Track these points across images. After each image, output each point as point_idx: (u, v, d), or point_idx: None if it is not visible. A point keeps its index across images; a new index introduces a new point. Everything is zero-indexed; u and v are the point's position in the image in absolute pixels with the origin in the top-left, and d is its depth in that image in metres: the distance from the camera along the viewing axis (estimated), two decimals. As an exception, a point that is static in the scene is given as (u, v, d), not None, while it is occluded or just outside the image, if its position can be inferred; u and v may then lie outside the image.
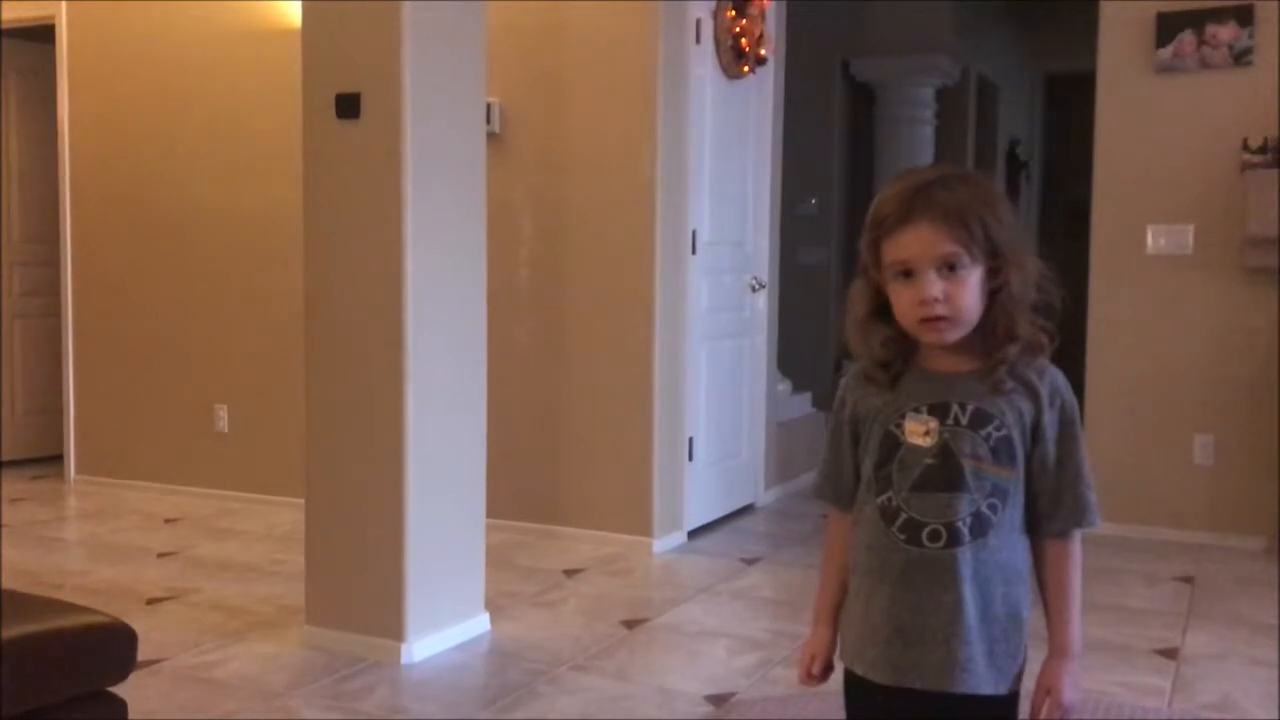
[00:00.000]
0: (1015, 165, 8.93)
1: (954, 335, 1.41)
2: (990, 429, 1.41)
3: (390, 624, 3.21)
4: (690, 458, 4.71)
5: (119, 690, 2.16)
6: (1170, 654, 3.33)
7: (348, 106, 3.19)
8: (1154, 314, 4.72)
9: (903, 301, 1.41)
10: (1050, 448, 1.44)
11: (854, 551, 1.51)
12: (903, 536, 1.43)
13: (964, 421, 1.42)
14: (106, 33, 5.56)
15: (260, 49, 5.12)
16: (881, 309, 1.45)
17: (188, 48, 5.34)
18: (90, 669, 2.08)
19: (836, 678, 1.58)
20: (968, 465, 1.41)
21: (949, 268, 1.38)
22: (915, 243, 1.39)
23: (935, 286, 1.38)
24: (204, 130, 5.33)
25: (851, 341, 1.50)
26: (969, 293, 1.39)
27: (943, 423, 1.42)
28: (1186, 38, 4.61)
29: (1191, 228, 4.65)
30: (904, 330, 1.44)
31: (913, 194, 1.40)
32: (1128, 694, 3.01)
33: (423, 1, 3.16)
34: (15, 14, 5.84)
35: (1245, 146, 4.50)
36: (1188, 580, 4.13)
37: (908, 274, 1.40)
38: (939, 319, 1.39)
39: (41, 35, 5.86)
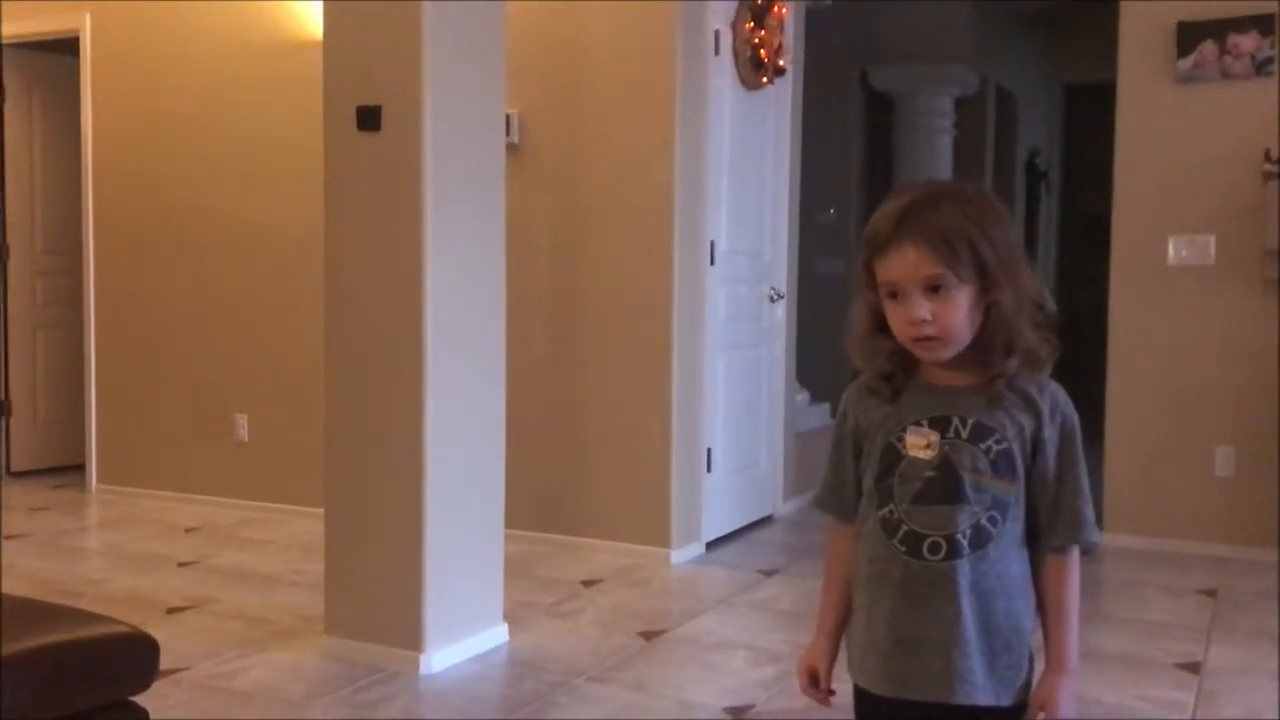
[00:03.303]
0: (1035, 175, 8.90)
1: (946, 353, 1.43)
2: (990, 442, 1.43)
3: (409, 634, 3.22)
4: (708, 468, 4.70)
5: (141, 700, 2.17)
6: (1193, 668, 3.31)
7: (368, 118, 3.21)
8: (1175, 325, 4.70)
9: (895, 320, 1.44)
10: (1050, 462, 1.45)
11: (856, 564, 1.53)
12: (903, 549, 1.45)
13: (964, 435, 1.43)
14: (130, 45, 5.61)
15: (282, 61, 5.15)
16: (883, 324, 1.47)
17: (210, 60, 5.38)
18: (113, 678, 2.09)
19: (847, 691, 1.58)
20: (967, 478, 1.42)
21: (934, 289, 1.40)
22: (901, 265, 1.40)
23: (923, 308, 1.40)
24: (225, 142, 5.37)
25: (854, 357, 1.52)
26: (957, 312, 1.40)
27: (943, 436, 1.43)
28: (1208, 47, 4.59)
29: (1213, 238, 4.62)
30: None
31: (900, 215, 1.41)
32: (1150, 708, 2.99)
33: (444, 9, 3.18)
34: (40, 26, 5.90)
35: (1267, 157, 4.47)
36: (1210, 593, 4.10)
37: (896, 294, 1.42)
38: (929, 338, 1.41)
39: (66, 47, 5.92)
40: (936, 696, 1.43)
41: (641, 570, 4.35)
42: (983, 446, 1.42)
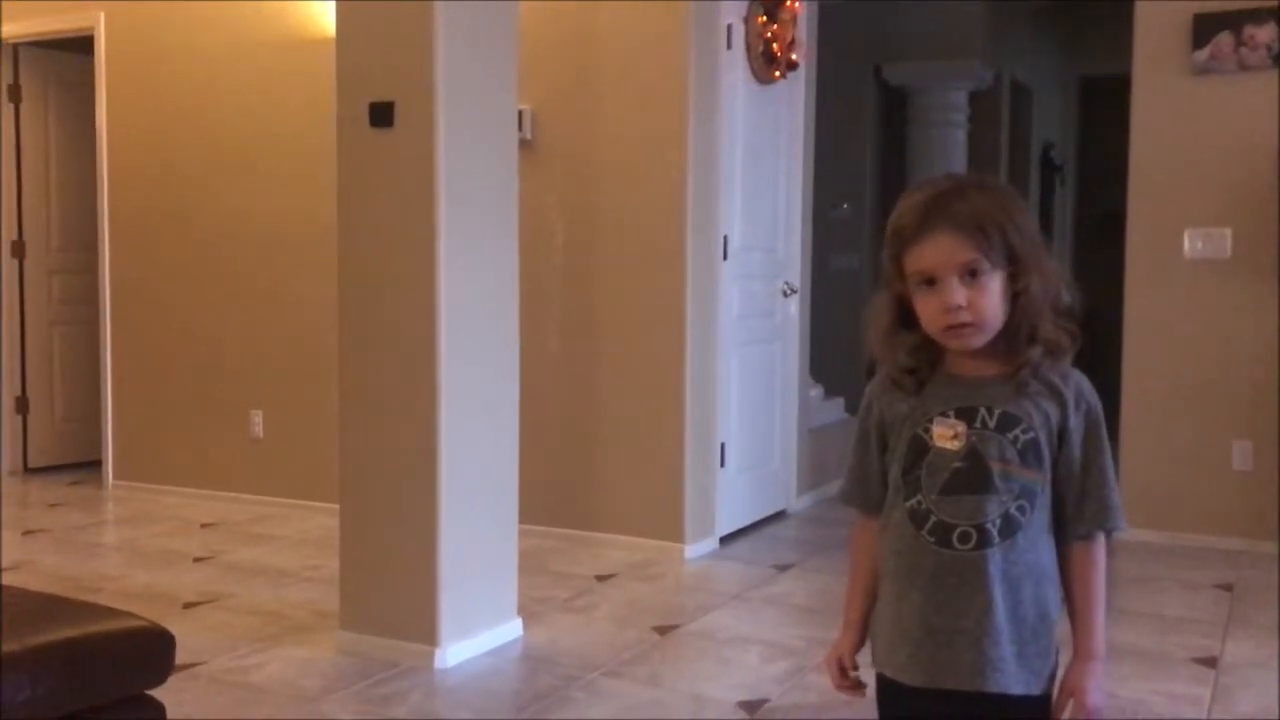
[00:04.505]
0: (1049, 169, 8.86)
1: (979, 341, 1.43)
2: (1018, 432, 1.43)
3: (424, 629, 3.22)
4: (722, 464, 4.70)
5: (157, 694, 2.19)
6: (1209, 662, 3.29)
7: (381, 115, 3.22)
8: (1192, 319, 4.67)
9: (927, 310, 1.43)
10: (1076, 451, 1.46)
11: (883, 556, 1.53)
12: (932, 539, 1.45)
13: (991, 425, 1.43)
14: (144, 43, 5.63)
15: (295, 58, 5.17)
16: (905, 317, 1.47)
17: (224, 57, 5.40)
18: (129, 673, 2.11)
19: (871, 684, 1.58)
20: (996, 468, 1.43)
21: (971, 274, 1.41)
22: (936, 252, 1.41)
23: (959, 294, 1.40)
24: (240, 138, 5.39)
25: (876, 352, 1.52)
26: (991, 298, 1.41)
27: (970, 426, 1.44)
28: (1224, 39, 4.56)
29: (1229, 231, 4.59)
30: (929, 337, 1.46)
31: (930, 204, 1.42)
32: (1166, 703, 2.98)
33: (456, 5, 3.18)
34: (55, 25, 5.92)
35: (1284, 149, 4.45)
36: (1227, 588, 4.08)
37: (930, 283, 1.42)
38: (963, 325, 1.42)
39: (80, 46, 5.94)
40: (968, 685, 1.44)
41: (655, 565, 4.35)
42: (1010, 436, 1.43)
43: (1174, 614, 3.77)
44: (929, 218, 1.41)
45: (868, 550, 1.56)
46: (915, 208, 1.43)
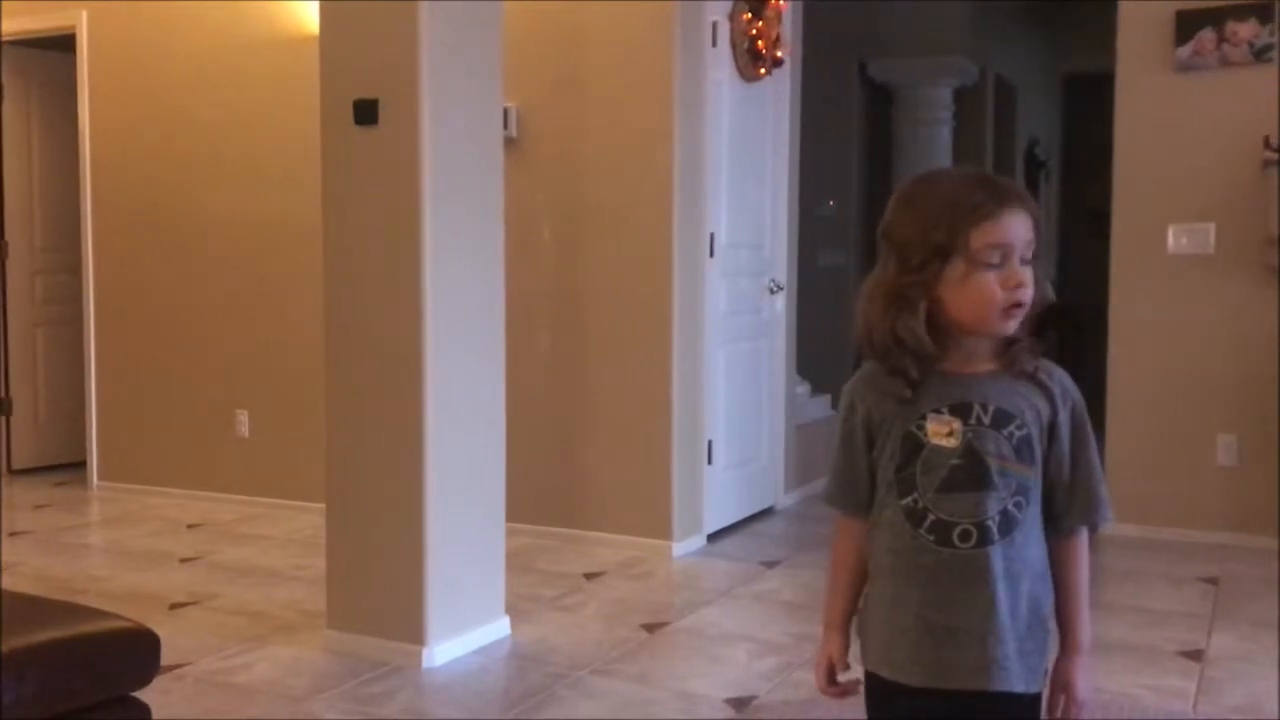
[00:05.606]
0: (1034, 165, 8.90)
1: (1016, 326, 1.43)
2: (1012, 428, 1.43)
3: (411, 628, 3.22)
4: (709, 461, 4.70)
5: (142, 695, 2.17)
6: (1195, 656, 3.31)
7: (366, 112, 3.21)
8: (1176, 314, 4.69)
9: (989, 288, 1.39)
10: (1065, 445, 1.46)
11: (873, 556, 1.51)
12: (932, 538, 1.43)
13: (986, 421, 1.42)
14: (127, 42, 5.60)
15: (279, 56, 5.15)
16: (929, 306, 1.43)
17: (207, 56, 5.37)
18: (114, 674, 2.10)
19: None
20: (993, 464, 1.42)
21: (1025, 258, 1.41)
22: (1014, 227, 1.39)
23: (1025, 273, 1.40)
24: (223, 137, 5.37)
25: (914, 336, 1.41)
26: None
27: (965, 423, 1.42)
28: (1206, 36, 4.58)
29: (1213, 227, 4.62)
30: (931, 328, 1.43)
31: (994, 182, 1.42)
32: (1152, 697, 2.99)
33: (440, 5, 3.17)
34: (37, 24, 5.89)
35: (1267, 144, 4.46)
36: (1212, 581, 4.10)
37: (1002, 260, 1.39)
38: (1020, 306, 1.41)
39: (63, 45, 5.91)
40: (972, 684, 1.42)
41: (643, 563, 4.35)
42: (1005, 432, 1.42)
43: (1159, 608, 3.79)
44: (1004, 193, 1.40)
45: (852, 550, 1.55)
46: (981, 183, 1.41)
